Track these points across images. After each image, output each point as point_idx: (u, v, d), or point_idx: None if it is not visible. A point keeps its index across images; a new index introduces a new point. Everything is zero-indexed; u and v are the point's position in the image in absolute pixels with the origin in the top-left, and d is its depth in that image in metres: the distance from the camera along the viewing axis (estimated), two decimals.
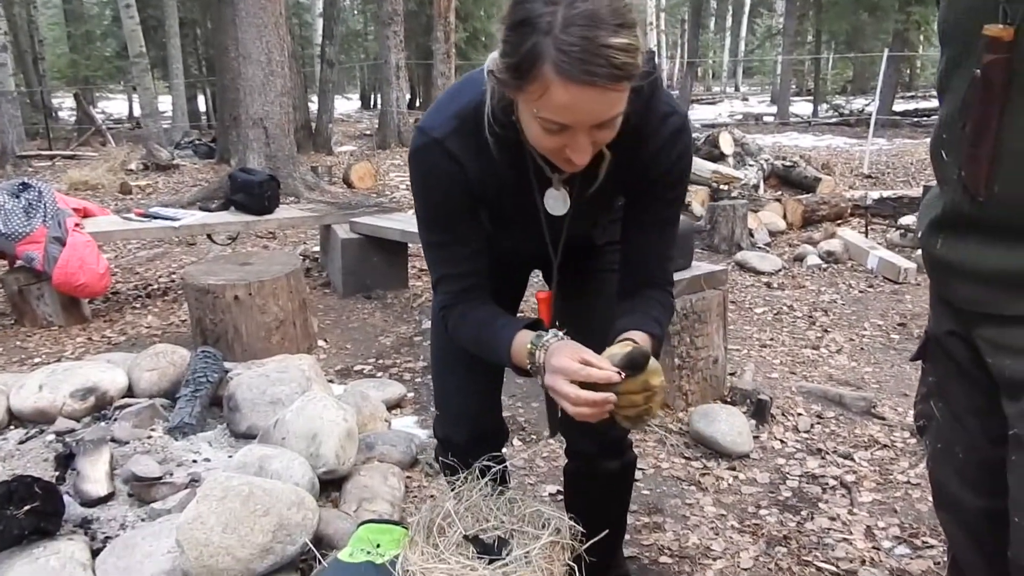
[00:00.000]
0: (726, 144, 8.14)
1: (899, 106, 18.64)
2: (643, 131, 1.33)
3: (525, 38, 1.10)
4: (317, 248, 6.17)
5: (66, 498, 2.18)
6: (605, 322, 1.48)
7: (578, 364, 1.23)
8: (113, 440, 2.59)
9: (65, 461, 2.47)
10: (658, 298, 1.50)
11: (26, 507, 1.97)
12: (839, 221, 7.02)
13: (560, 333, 1.34)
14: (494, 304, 1.49)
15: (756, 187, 7.89)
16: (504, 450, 1.90)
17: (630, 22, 1.10)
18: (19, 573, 1.93)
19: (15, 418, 2.88)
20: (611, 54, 1.07)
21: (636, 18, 1.12)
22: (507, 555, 1.34)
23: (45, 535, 2.04)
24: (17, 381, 2.97)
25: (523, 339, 1.35)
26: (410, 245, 5.30)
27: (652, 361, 1.28)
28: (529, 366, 1.33)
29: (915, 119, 16.84)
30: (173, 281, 5.67)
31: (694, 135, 8.65)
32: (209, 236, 5.89)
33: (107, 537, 2.15)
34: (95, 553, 2.06)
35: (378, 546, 1.44)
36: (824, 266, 5.82)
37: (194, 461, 2.56)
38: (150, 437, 2.68)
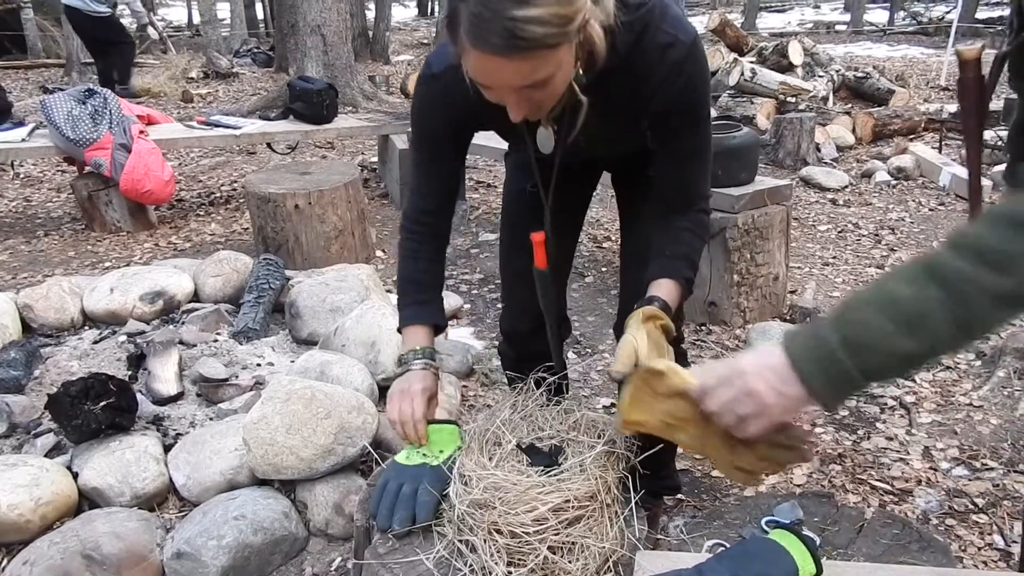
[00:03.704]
0: (795, 54, 7.80)
1: (982, 13, 17.56)
2: (638, 66, 1.29)
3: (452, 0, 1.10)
4: (375, 159, 6.17)
5: (139, 396, 2.28)
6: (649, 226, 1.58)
7: (400, 414, 1.45)
8: (181, 342, 2.68)
9: (137, 361, 2.57)
10: (689, 226, 1.50)
11: (102, 403, 2.07)
12: (912, 136, 6.73)
13: (428, 362, 1.53)
14: (438, 261, 1.62)
15: (825, 99, 7.59)
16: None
17: None
18: (98, 463, 2.04)
19: (88, 319, 2.99)
20: (514, 27, 1.04)
21: None
22: (562, 463, 1.36)
23: (120, 430, 2.14)
24: (90, 284, 3.08)
25: (412, 338, 1.54)
26: (467, 157, 5.25)
27: (639, 324, 1.32)
28: (397, 365, 1.54)
29: (999, 27, 15.87)
30: (235, 189, 5.75)
31: (762, 44, 8.33)
32: (269, 145, 5.93)
33: (178, 434, 2.25)
34: (167, 448, 2.16)
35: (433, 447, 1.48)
36: (893, 183, 5.61)
37: (258, 365, 2.64)
38: (216, 340, 2.76)
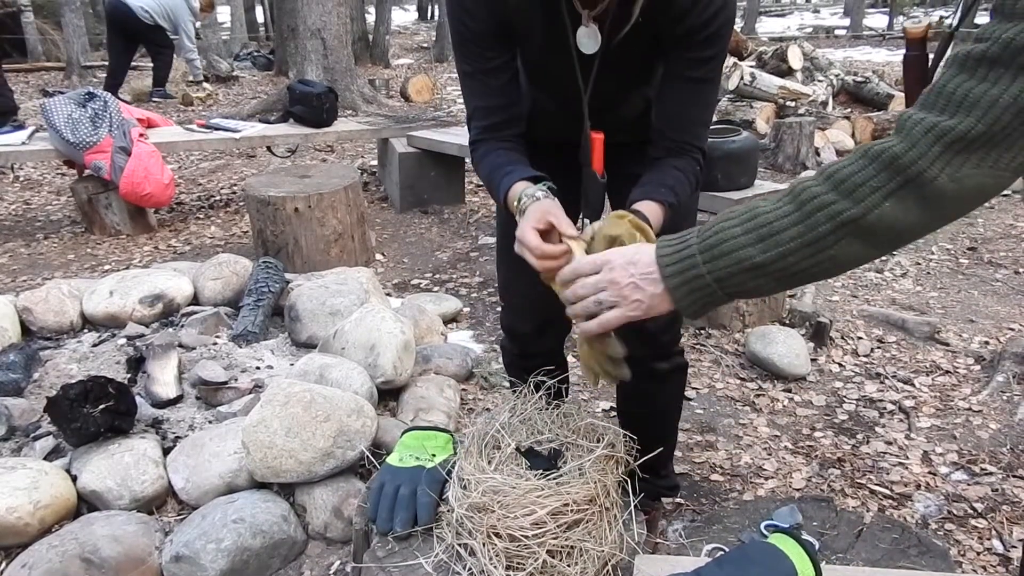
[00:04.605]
0: (795, 58, 7.81)
1: (982, 18, 17.57)
2: None
3: None
4: (375, 162, 6.18)
5: (138, 399, 2.28)
6: None
7: (535, 240, 1.28)
8: (181, 345, 2.68)
9: (136, 364, 2.57)
10: (679, 165, 1.48)
11: (101, 406, 2.07)
12: None
13: (545, 190, 1.38)
14: (516, 146, 1.53)
15: (825, 104, 7.60)
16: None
17: None
18: (96, 466, 2.04)
19: (88, 322, 2.99)
20: None
21: None
22: (561, 466, 1.36)
23: (119, 433, 2.14)
24: (89, 287, 3.08)
25: (516, 191, 1.41)
26: (467, 160, 5.27)
27: (610, 220, 1.30)
28: (516, 217, 1.39)
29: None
30: (235, 192, 5.75)
31: (761, 48, 8.33)
32: (269, 148, 5.94)
33: (177, 437, 2.25)
34: (166, 451, 2.16)
35: (425, 451, 1.48)
36: None
37: (257, 368, 2.64)
38: (215, 343, 2.76)
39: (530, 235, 1.29)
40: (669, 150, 1.49)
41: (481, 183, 5.72)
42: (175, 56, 9.84)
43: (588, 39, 1.39)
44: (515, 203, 1.39)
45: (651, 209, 1.38)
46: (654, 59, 1.48)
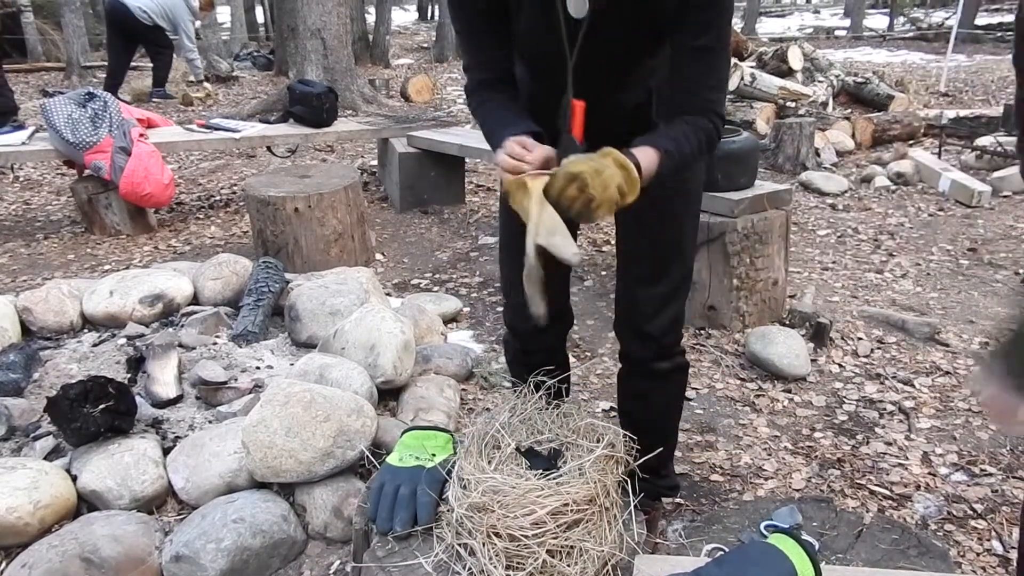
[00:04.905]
0: (795, 59, 7.81)
1: (982, 19, 17.58)
2: None
3: None
4: (375, 162, 6.18)
5: (138, 399, 2.28)
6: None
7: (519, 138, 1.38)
8: (180, 345, 2.68)
9: (136, 364, 2.57)
10: (690, 121, 1.46)
11: (101, 405, 2.07)
12: (911, 141, 6.74)
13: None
14: (511, 97, 1.60)
15: (825, 104, 7.59)
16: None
17: None
18: (96, 466, 2.04)
19: (88, 322, 2.99)
20: None
21: None
22: (561, 466, 1.36)
23: (119, 433, 2.14)
24: (89, 287, 3.08)
25: None
26: (467, 160, 5.27)
27: (577, 157, 1.32)
28: None
29: (999, 34, 15.87)
30: (235, 192, 5.75)
31: (761, 49, 8.33)
32: (269, 148, 5.93)
33: (177, 437, 2.25)
34: (166, 451, 2.16)
35: (425, 451, 1.48)
36: (893, 188, 5.61)
37: (257, 367, 2.64)
38: (215, 343, 2.76)
39: (514, 147, 1.37)
40: (679, 110, 1.47)
41: (481, 184, 5.74)
42: (175, 56, 9.83)
43: (577, 2, 1.41)
44: None
45: (645, 154, 1.36)
46: (645, 34, 1.47)
